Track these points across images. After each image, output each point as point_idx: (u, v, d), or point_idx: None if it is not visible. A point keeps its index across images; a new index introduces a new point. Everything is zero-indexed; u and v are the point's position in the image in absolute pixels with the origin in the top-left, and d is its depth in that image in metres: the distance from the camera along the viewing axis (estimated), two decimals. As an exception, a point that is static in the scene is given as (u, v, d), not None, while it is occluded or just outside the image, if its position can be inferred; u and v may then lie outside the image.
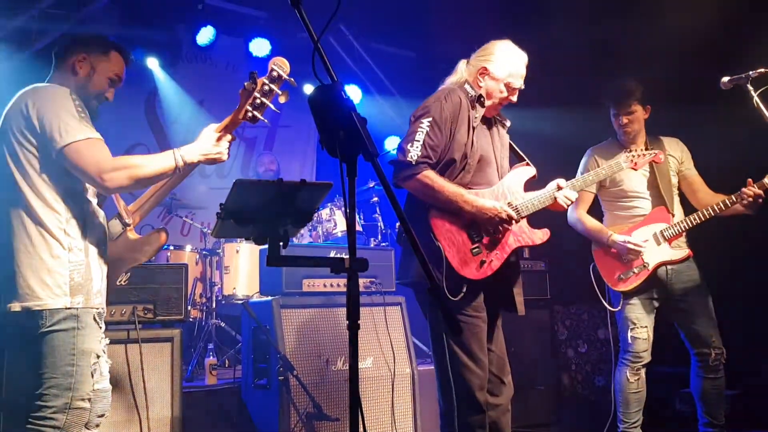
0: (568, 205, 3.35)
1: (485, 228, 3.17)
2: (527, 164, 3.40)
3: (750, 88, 3.55)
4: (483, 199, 3.17)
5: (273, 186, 1.98)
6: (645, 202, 4.09)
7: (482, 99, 3.30)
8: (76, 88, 2.71)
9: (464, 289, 3.08)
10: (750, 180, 3.80)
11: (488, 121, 3.43)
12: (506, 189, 3.28)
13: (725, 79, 3.62)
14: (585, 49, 5.64)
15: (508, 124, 3.52)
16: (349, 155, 1.80)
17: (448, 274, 3.08)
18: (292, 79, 2.79)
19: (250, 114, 2.78)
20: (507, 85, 3.32)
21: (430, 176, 3.11)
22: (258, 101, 2.77)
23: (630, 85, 4.11)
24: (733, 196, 3.85)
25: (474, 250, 3.14)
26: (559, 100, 5.54)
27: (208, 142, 2.76)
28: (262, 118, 2.81)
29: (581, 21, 5.48)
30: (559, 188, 3.31)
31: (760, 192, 3.78)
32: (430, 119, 3.16)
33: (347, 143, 1.80)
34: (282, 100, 2.82)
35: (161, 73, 7.37)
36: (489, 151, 3.33)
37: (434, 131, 3.15)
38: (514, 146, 3.51)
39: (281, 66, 2.78)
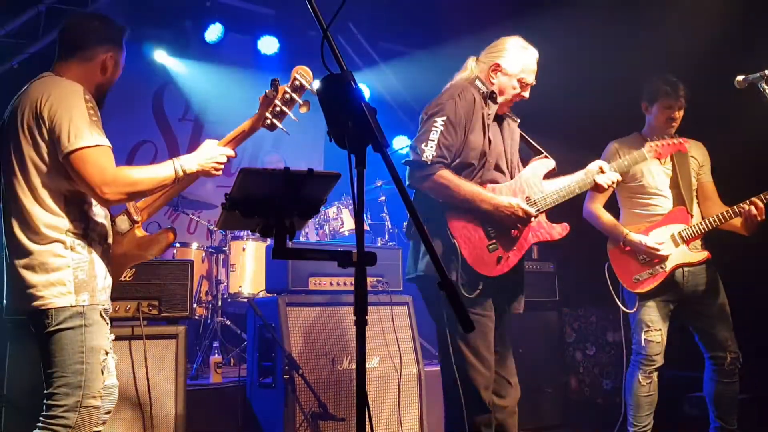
0: (609, 186, 3.33)
1: (503, 224, 3.13)
2: (545, 157, 3.35)
3: (765, 86, 3.49)
4: (500, 196, 3.13)
5: (280, 175, 1.93)
6: (665, 201, 4.02)
7: (495, 96, 3.27)
8: (97, 85, 2.69)
9: (480, 287, 3.05)
10: (752, 199, 3.73)
11: (499, 118, 3.39)
12: (524, 183, 3.24)
13: (740, 77, 3.57)
14: (596, 50, 5.59)
15: (518, 120, 3.48)
16: (358, 146, 1.76)
17: (464, 271, 3.05)
18: (315, 89, 2.76)
19: (269, 121, 2.81)
20: (520, 81, 3.31)
21: (446, 176, 3.07)
22: (278, 109, 2.79)
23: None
24: (732, 209, 3.79)
25: (490, 247, 3.11)
26: (568, 99, 5.50)
27: (206, 153, 2.75)
28: (280, 126, 2.81)
29: (592, 23, 5.44)
30: (602, 171, 3.28)
31: (759, 208, 3.71)
32: (445, 118, 3.11)
33: (356, 134, 1.76)
34: (303, 110, 2.81)
35: (171, 60, 7.32)
36: (499, 148, 3.30)
37: (449, 131, 3.10)
38: (530, 139, 3.46)
39: (304, 75, 2.78)
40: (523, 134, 3.48)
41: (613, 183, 3.34)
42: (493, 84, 3.31)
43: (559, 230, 3.28)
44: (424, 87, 7.59)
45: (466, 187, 3.08)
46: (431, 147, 3.07)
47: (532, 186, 3.24)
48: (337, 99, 1.81)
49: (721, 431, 3.91)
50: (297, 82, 2.78)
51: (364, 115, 1.75)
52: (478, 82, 3.31)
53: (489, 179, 3.19)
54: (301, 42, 7.15)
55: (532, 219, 3.15)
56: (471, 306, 3.06)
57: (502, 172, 3.29)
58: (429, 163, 3.06)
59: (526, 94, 3.36)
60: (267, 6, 7.31)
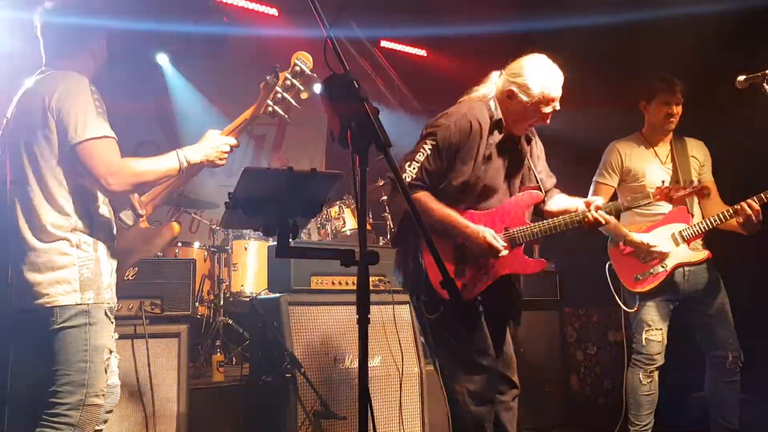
0: (598, 224, 3.13)
1: (472, 252, 3.07)
2: (537, 188, 3.24)
3: (766, 87, 3.49)
4: (472, 224, 3.03)
5: (283, 174, 1.95)
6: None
7: (501, 124, 3.11)
8: (95, 72, 2.72)
9: (441, 309, 3.03)
10: (748, 200, 3.71)
11: (512, 140, 3.21)
12: (505, 213, 3.14)
13: (741, 78, 3.56)
14: (598, 47, 5.60)
15: (532, 137, 3.33)
16: (361, 145, 1.77)
17: (427, 291, 3.04)
18: (315, 75, 2.77)
19: (270, 108, 2.81)
20: (535, 111, 3.07)
21: (421, 199, 3.02)
22: (279, 96, 2.79)
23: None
24: (731, 209, 3.78)
25: (456, 273, 3.07)
26: (573, 99, 5.50)
27: (209, 143, 2.76)
28: (282, 113, 2.81)
29: (595, 20, 5.44)
30: (597, 208, 3.10)
31: (755, 209, 3.68)
32: (434, 143, 3.05)
33: (359, 133, 1.77)
34: (303, 96, 2.82)
35: (171, 69, 7.36)
36: (497, 179, 3.17)
37: (434, 157, 3.05)
38: (533, 168, 3.32)
39: (304, 61, 2.78)
40: (529, 162, 3.30)
41: (600, 223, 3.12)
42: (507, 109, 3.11)
43: (533, 265, 3.18)
44: (426, 87, 7.65)
45: (440, 211, 3.02)
46: (414, 168, 3.03)
47: (513, 217, 3.14)
48: (340, 99, 1.82)
49: (722, 430, 3.92)
50: (297, 68, 2.78)
51: (367, 115, 1.76)
52: (492, 103, 3.14)
53: (465, 204, 3.11)
54: (303, 41, 7.16)
55: (502, 252, 3.02)
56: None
57: (495, 203, 3.17)
58: (407, 184, 3.01)
59: (547, 121, 3.12)
60: (270, 4, 7.32)
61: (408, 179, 3.03)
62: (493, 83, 3.22)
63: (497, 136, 3.12)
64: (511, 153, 3.23)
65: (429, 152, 3.05)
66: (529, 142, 3.32)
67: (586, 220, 3.10)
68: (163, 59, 7.27)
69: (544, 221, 3.15)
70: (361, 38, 7.64)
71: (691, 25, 4.93)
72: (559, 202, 3.26)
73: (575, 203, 3.19)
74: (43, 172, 2.52)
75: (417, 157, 3.06)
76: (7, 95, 2.81)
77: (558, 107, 3.11)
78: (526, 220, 3.16)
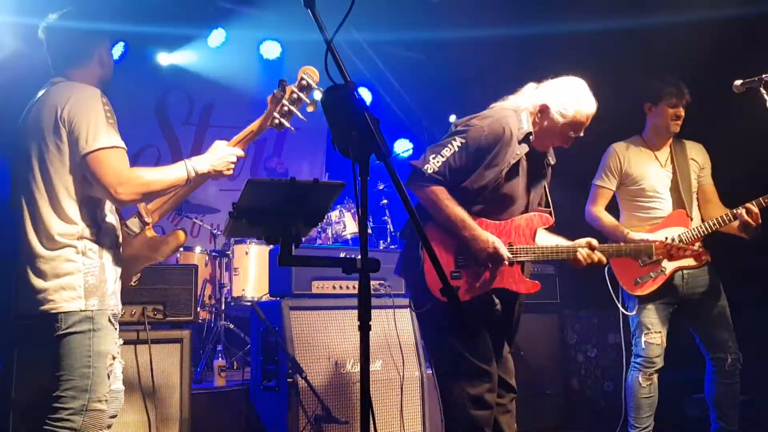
0: (587, 264, 3.18)
1: (475, 258, 3.07)
2: (548, 212, 3.24)
3: (763, 91, 3.52)
4: (481, 230, 3.05)
5: (285, 185, 1.98)
6: (665, 204, 4.04)
7: (529, 138, 3.12)
8: (101, 78, 2.75)
9: (429, 306, 3.03)
10: (747, 204, 3.73)
11: (537, 155, 3.23)
12: (513, 228, 3.15)
13: (738, 82, 3.59)
14: (597, 52, 5.62)
15: (552, 161, 3.34)
16: (362, 155, 1.80)
17: (419, 285, 3.06)
18: (321, 89, 2.82)
19: (277, 121, 2.87)
20: (563, 132, 3.13)
21: (438, 193, 3.04)
22: (285, 108, 2.85)
23: None
24: (731, 213, 3.79)
25: (453, 274, 3.07)
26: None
27: (217, 154, 2.80)
28: (288, 125, 2.88)
29: (592, 24, 5.46)
30: (591, 246, 3.15)
31: (755, 213, 3.70)
32: (464, 141, 3.05)
33: (360, 143, 1.79)
34: (310, 109, 2.88)
35: (175, 56, 7.36)
36: (517, 190, 3.17)
37: (461, 155, 3.05)
38: (547, 189, 3.33)
39: (311, 75, 2.84)
40: (546, 184, 3.32)
41: (592, 262, 3.18)
42: (536, 123, 3.14)
43: (528, 285, 3.16)
44: (426, 88, 7.66)
45: (453, 210, 3.03)
46: (438, 162, 3.04)
47: (520, 234, 3.15)
48: (341, 109, 1.84)
49: (723, 432, 3.94)
50: (304, 82, 2.84)
51: (368, 125, 1.79)
52: (523, 115, 3.13)
53: (479, 211, 3.11)
54: (303, 47, 7.19)
55: (505, 262, 3.05)
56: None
57: (512, 215, 3.17)
58: (427, 175, 3.04)
59: (568, 144, 3.19)
60: (269, 10, 7.34)
61: (429, 171, 3.04)
62: (527, 95, 3.22)
63: (524, 148, 3.12)
64: (534, 167, 3.24)
65: (457, 149, 3.05)
66: (549, 164, 3.34)
67: (583, 261, 3.16)
68: (164, 58, 7.29)
69: (547, 246, 3.17)
70: (360, 42, 7.65)
71: (688, 30, 4.95)
72: (550, 239, 3.28)
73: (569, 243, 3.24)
74: (53, 181, 2.55)
75: (443, 151, 3.06)
76: (9, 98, 2.83)
77: (582, 134, 3.16)
78: (531, 241, 3.17)
